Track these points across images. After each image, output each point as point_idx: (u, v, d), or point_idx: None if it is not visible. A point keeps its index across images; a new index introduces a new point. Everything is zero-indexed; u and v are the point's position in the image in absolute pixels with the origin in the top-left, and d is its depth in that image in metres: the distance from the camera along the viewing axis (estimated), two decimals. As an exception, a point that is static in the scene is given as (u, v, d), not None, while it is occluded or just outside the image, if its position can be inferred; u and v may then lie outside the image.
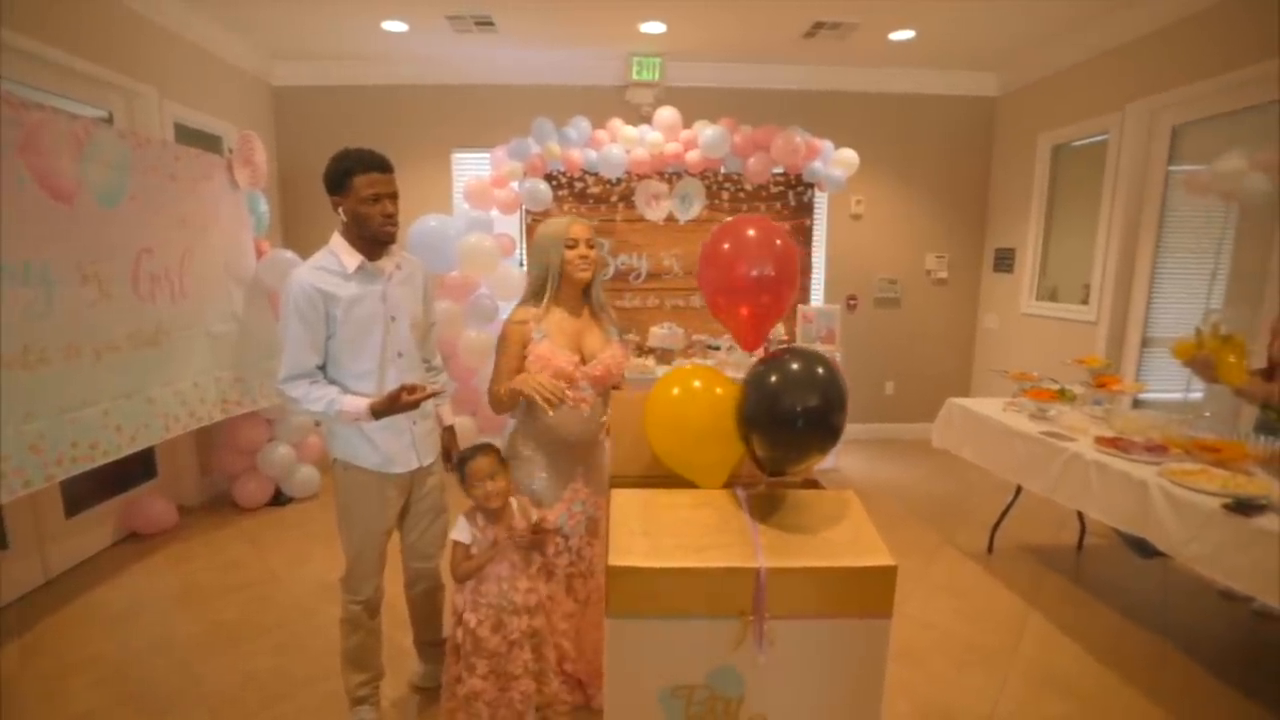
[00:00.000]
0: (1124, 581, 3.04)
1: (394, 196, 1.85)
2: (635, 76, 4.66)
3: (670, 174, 4.54)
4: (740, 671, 1.25)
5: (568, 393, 1.81)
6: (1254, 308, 3.21)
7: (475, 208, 4.28)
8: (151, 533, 3.49)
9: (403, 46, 4.42)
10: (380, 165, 1.82)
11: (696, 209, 4.55)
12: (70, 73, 3.06)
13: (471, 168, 4.82)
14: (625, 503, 1.45)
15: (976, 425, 3.13)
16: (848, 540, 1.32)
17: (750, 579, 1.22)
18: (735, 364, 3.88)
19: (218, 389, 3.37)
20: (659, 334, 4.50)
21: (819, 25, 4.06)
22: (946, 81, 4.99)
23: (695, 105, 4.54)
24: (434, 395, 1.88)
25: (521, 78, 4.76)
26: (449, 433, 2.20)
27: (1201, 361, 2.43)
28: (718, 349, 4.42)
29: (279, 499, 3.95)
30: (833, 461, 4.65)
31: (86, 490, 3.18)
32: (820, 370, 1.36)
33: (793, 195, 4.70)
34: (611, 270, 4.66)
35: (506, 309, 2.04)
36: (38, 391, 2.37)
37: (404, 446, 1.94)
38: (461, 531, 1.81)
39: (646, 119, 4.53)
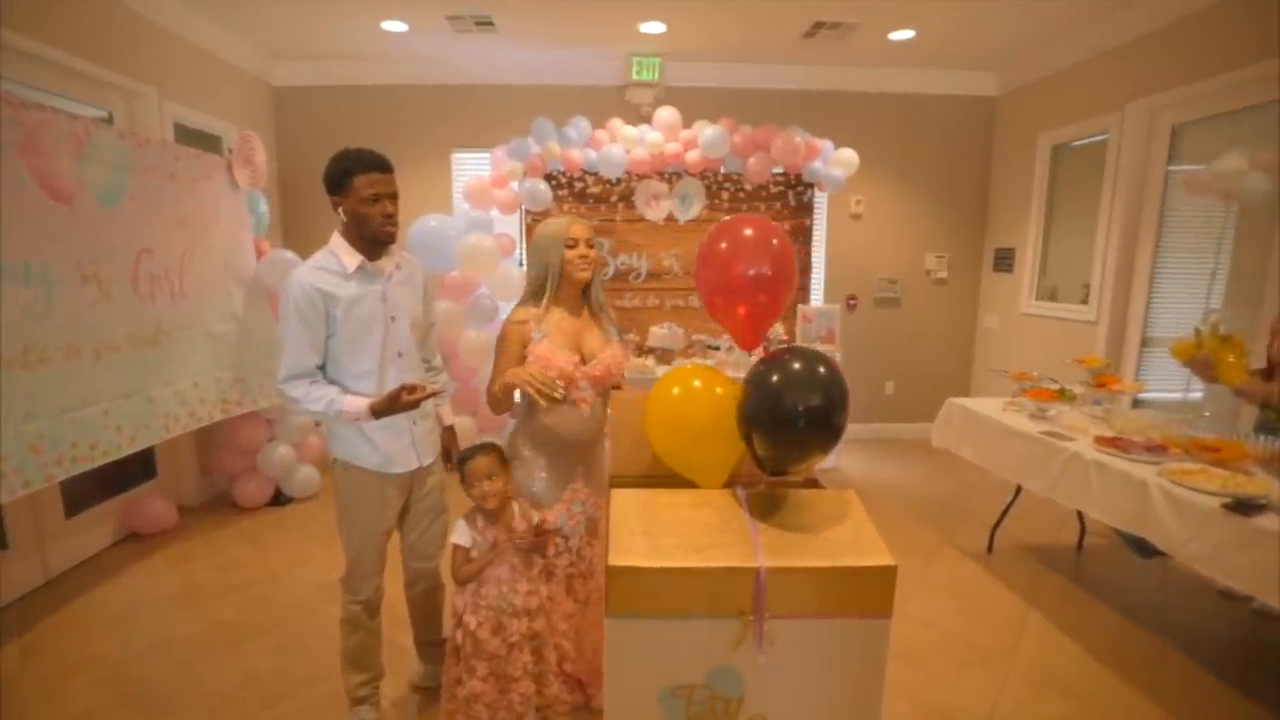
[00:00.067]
0: (1124, 581, 3.04)
1: (394, 196, 1.85)
2: (635, 76, 4.66)
3: (670, 174, 4.54)
4: (740, 671, 1.25)
5: (562, 388, 1.80)
6: (1254, 307, 3.21)
7: (475, 208, 4.28)
8: (151, 533, 3.49)
9: (403, 46, 4.42)
10: (380, 165, 1.82)
11: (696, 209, 4.55)
12: (70, 73, 3.06)
13: (471, 168, 4.82)
14: (625, 503, 1.45)
15: (976, 425, 3.13)
16: (848, 540, 1.32)
17: (750, 579, 1.22)
18: (735, 364, 3.88)
19: (218, 389, 3.37)
20: (659, 334, 4.50)
21: (819, 25, 4.06)
22: (946, 81, 4.99)
23: (695, 105, 4.54)
24: (434, 395, 1.88)
25: (521, 78, 4.76)
26: (449, 433, 2.20)
27: (1201, 361, 2.43)
28: (717, 349, 4.42)
29: (279, 499, 3.95)
30: (833, 461, 4.65)
31: (86, 490, 3.18)
32: (822, 369, 1.36)
33: (792, 195, 4.69)
34: (611, 270, 4.66)
35: (506, 309, 2.03)
36: (38, 391, 2.37)
37: (404, 446, 1.94)
38: (461, 535, 1.81)
39: (646, 119, 4.53)
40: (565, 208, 4.54)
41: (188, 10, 3.74)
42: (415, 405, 1.80)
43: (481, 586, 1.81)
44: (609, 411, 1.88)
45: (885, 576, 1.24)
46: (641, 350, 4.52)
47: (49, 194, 2.41)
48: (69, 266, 2.50)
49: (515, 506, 1.87)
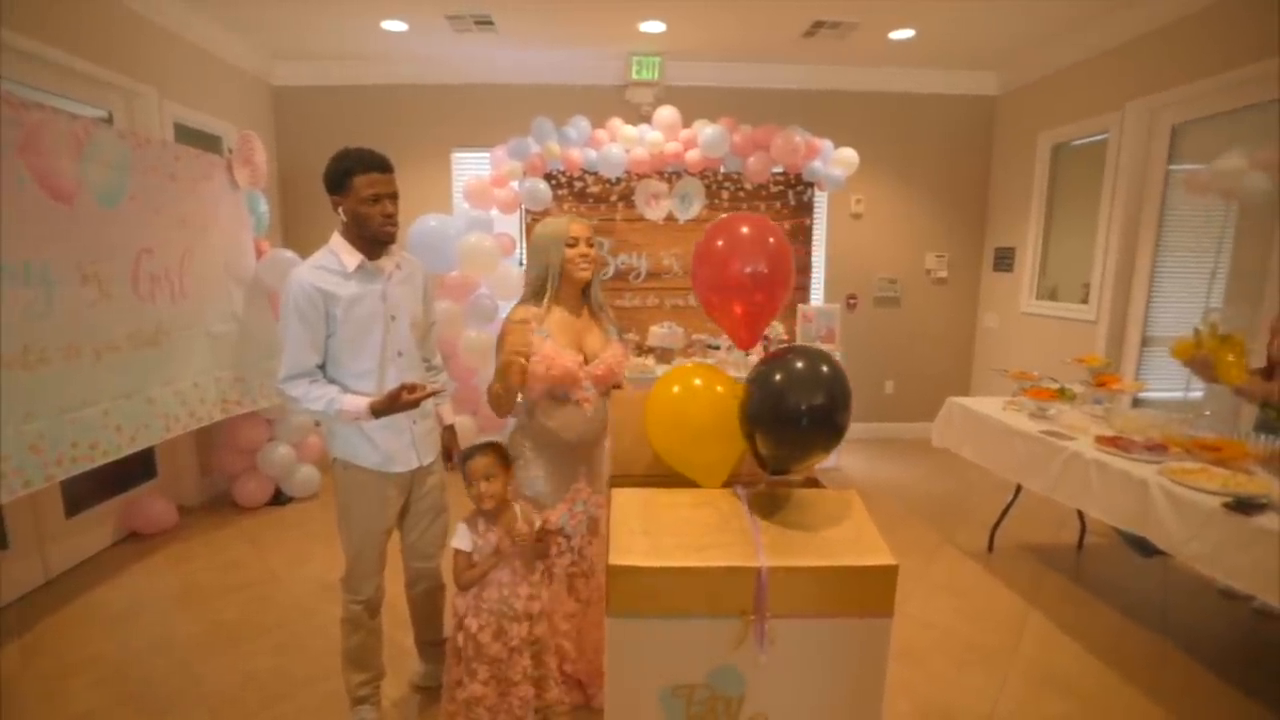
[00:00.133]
0: (1124, 580, 3.03)
1: (394, 196, 1.85)
2: (635, 76, 4.66)
3: (670, 173, 4.54)
4: (741, 671, 1.25)
5: (578, 391, 1.81)
6: (1254, 307, 3.21)
7: (475, 207, 4.28)
8: (151, 533, 3.49)
9: (403, 46, 4.42)
10: (380, 165, 1.82)
11: (696, 208, 4.54)
12: (70, 73, 3.06)
13: (471, 167, 4.82)
14: (626, 502, 1.45)
15: (976, 424, 3.13)
16: (849, 539, 1.32)
17: (751, 578, 1.22)
18: (735, 363, 3.87)
19: (218, 389, 3.37)
20: (659, 333, 4.50)
21: (819, 25, 4.06)
22: (946, 81, 4.99)
23: (695, 105, 4.54)
24: (434, 394, 1.88)
25: (521, 77, 4.76)
26: (449, 432, 2.20)
27: (1200, 361, 2.43)
28: (717, 348, 4.42)
29: (279, 499, 3.95)
30: (833, 461, 4.65)
31: (86, 490, 3.18)
32: (825, 368, 1.36)
33: (792, 194, 4.69)
34: (611, 270, 4.66)
35: (506, 309, 2.03)
36: (38, 391, 2.37)
37: (404, 446, 1.94)
38: (462, 539, 1.80)
39: (646, 118, 4.53)
40: (565, 207, 4.54)
41: (188, 10, 3.74)
42: (415, 404, 1.80)
43: (483, 590, 1.80)
44: (610, 411, 1.88)
45: (886, 576, 1.24)
46: (641, 350, 4.51)
47: (49, 194, 2.41)
48: (69, 266, 2.50)
49: (517, 508, 1.87)
